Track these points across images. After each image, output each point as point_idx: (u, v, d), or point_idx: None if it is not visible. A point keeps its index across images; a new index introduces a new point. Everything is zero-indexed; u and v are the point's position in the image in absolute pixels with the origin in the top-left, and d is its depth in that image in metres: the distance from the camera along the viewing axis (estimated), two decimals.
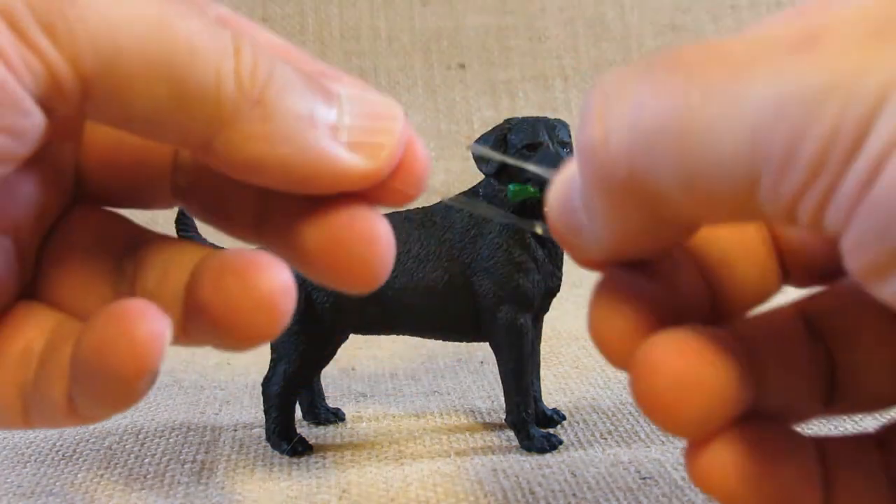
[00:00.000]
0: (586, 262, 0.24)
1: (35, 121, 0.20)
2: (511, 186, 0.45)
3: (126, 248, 0.25)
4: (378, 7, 1.09)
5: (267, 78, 0.21)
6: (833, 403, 0.24)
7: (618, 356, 0.23)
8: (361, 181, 0.22)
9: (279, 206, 0.23)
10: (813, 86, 0.17)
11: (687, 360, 0.22)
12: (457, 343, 0.54)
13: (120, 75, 0.20)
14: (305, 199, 0.22)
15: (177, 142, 0.21)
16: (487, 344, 0.48)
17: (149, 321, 0.21)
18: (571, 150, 0.48)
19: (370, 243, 0.22)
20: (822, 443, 0.24)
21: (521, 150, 0.46)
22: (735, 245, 0.25)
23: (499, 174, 0.47)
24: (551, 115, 0.50)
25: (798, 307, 0.25)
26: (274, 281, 0.21)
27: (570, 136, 0.48)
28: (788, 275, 0.25)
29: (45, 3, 0.19)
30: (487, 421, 0.50)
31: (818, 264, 0.25)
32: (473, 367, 0.60)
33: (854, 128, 0.16)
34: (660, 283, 0.23)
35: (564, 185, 0.23)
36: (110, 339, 0.21)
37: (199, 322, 0.22)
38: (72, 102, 0.20)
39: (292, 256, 0.23)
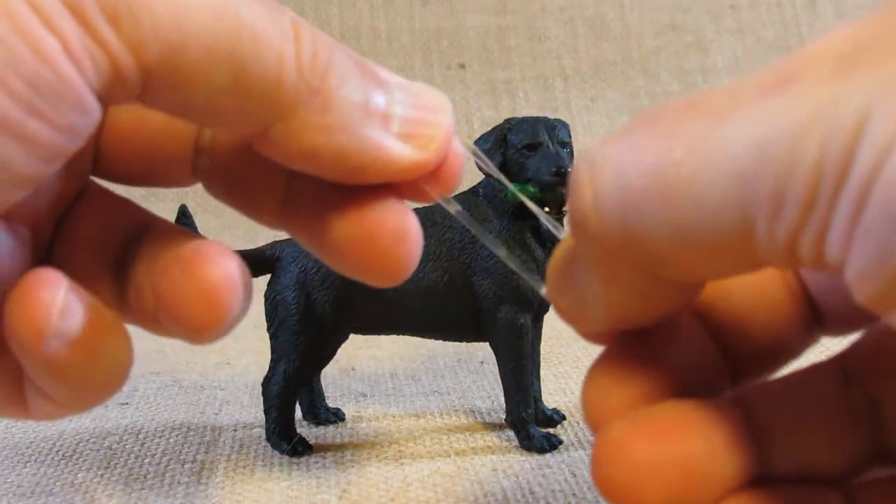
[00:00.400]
0: (591, 336, 0.24)
1: (93, 117, 0.19)
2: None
3: (130, 236, 0.25)
4: (378, 7, 1.09)
5: (326, 66, 0.21)
6: (886, 455, 0.23)
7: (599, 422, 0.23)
8: (411, 172, 0.22)
9: (306, 192, 0.23)
10: (790, 124, 0.17)
11: (645, 442, 0.21)
12: (457, 343, 0.54)
13: (182, 64, 0.19)
14: (335, 188, 0.22)
15: (233, 129, 0.21)
16: (487, 344, 0.48)
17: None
18: (571, 151, 0.48)
19: (401, 239, 0.22)
20: None
21: (521, 150, 0.46)
22: (751, 297, 0.24)
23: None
24: (551, 115, 0.50)
25: (835, 360, 0.24)
26: (216, 272, 0.21)
27: (569, 136, 0.48)
28: (823, 322, 0.24)
29: None
30: (487, 421, 0.50)
31: (852, 306, 0.24)
32: (473, 367, 0.60)
33: (838, 159, 0.16)
34: (663, 352, 0.23)
35: (562, 260, 0.23)
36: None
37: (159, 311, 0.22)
38: (131, 93, 0.20)
39: (318, 245, 0.23)
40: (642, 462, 0.21)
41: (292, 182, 0.23)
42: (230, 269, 0.21)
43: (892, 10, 0.17)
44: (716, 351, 0.24)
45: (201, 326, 0.21)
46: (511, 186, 0.28)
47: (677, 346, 0.23)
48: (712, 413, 0.22)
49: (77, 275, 0.24)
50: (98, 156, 0.25)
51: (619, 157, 0.20)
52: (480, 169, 0.49)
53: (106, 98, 0.19)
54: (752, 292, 0.24)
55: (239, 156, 0.23)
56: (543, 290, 0.24)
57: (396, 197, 0.22)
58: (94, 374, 0.21)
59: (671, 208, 0.19)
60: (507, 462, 0.44)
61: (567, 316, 0.23)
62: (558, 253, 0.23)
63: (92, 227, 0.25)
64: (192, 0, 0.19)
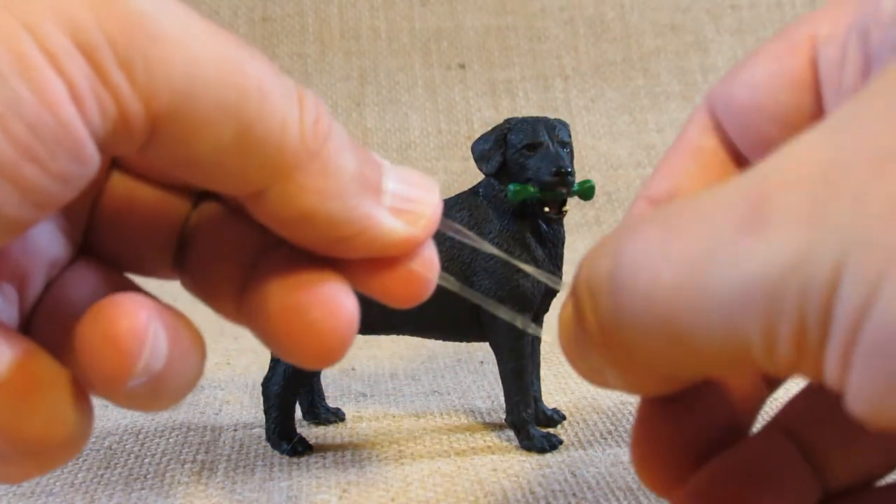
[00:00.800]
0: (620, 390, 0.25)
1: (90, 168, 0.19)
2: (511, 186, 0.45)
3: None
4: (378, 7, 1.09)
5: (328, 132, 0.21)
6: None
7: (665, 492, 0.24)
8: (401, 246, 0.22)
9: (259, 276, 0.23)
10: (771, 274, 0.17)
11: None
12: (457, 343, 0.54)
13: (190, 116, 0.19)
14: (284, 269, 0.22)
15: (231, 188, 0.21)
16: (487, 344, 0.48)
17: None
18: (571, 151, 0.47)
19: (332, 313, 0.22)
20: None
21: (521, 150, 0.46)
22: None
23: (499, 174, 0.47)
24: (551, 115, 0.50)
25: (777, 420, 0.25)
26: (123, 322, 0.20)
27: (569, 136, 0.48)
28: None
29: (127, 37, 0.18)
30: (487, 421, 0.50)
31: None
32: (473, 367, 0.60)
33: (818, 309, 0.16)
34: (694, 408, 0.24)
35: (571, 337, 0.23)
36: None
37: None
38: (136, 143, 0.19)
39: (262, 330, 0.23)
40: None
41: (247, 268, 0.24)
42: (137, 322, 0.20)
43: (867, 114, 0.17)
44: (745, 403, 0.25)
45: (106, 373, 0.20)
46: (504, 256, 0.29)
47: (711, 396, 0.24)
48: (773, 463, 0.23)
49: None
50: (89, 232, 0.25)
51: (618, 275, 0.20)
52: (481, 169, 0.49)
53: (108, 146, 0.19)
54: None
55: (207, 236, 0.23)
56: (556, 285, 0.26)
57: (339, 276, 0.22)
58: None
59: (670, 332, 0.19)
60: (507, 462, 0.44)
61: (587, 378, 0.24)
62: (565, 324, 0.24)
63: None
64: (205, 51, 0.19)
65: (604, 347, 0.21)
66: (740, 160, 0.26)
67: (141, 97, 0.18)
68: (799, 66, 0.24)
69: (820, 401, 0.25)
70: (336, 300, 0.22)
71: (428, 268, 0.23)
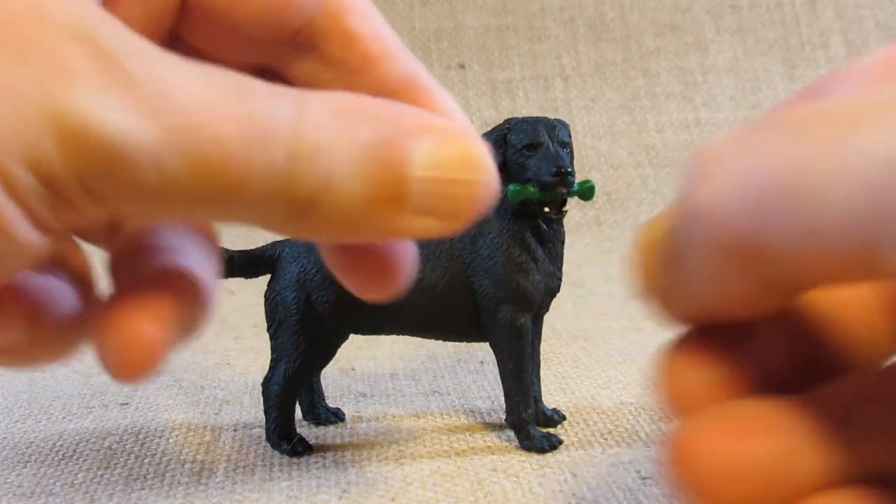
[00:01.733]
0: (678, 317, 0.23)
1: (28, 250, 0.19)
2: (511, 186, 0.45)
3: None
4: (378, 7, 1.09)
5: (329, 166, 0.20)
6: None
7: (685, 412, 0.22)
8: (437, 235, 0.21)
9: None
10: None
11: (728, 443, 0.21)
12: (457, 343, 0.54)
13: (167, 214, 0.19)
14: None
15: (236, 216, 0.21)
16: (487, 344, 0.48)
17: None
18: (571, 151, 0.47)
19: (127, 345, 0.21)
20: None
21: (521, 151, 0.46)
22: (844, 306, 0.23)
23: (499, 174, 0.47)
24: (551, 115, 0.50)
25: None
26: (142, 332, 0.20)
27: (569, 136, 0.48)
28: None
29: (95, 168, 0.18)
30: (487, 421, 0.50)
31: None
32: (473, 367, 0.60)
33: None
34: (747, 345, 0.23)
35: (660, 242, 0.22)
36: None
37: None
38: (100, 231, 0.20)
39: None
40: (724, 464, 0.21)
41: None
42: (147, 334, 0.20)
43: None
44: (797, 350, 0.23)
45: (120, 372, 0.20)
46: None
47: (768, 339, 0.23)
48: (799, 412, 0.21)
49: None
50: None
51: (743, 156, 0.19)
52: None
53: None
54: (846, 300, 0.24)
55: None
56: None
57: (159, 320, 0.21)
58: None
59: (794, 212, 0.18)
60: (507, 462, 0.44)
61: (654, 294, 0.22)
62: (655, 232, 0.22)
63: None
64: (179, 170, 0.18)
65: (712, 247, 0.19)
66: None
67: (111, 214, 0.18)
68: None
69: None
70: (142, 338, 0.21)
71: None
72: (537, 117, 0.48)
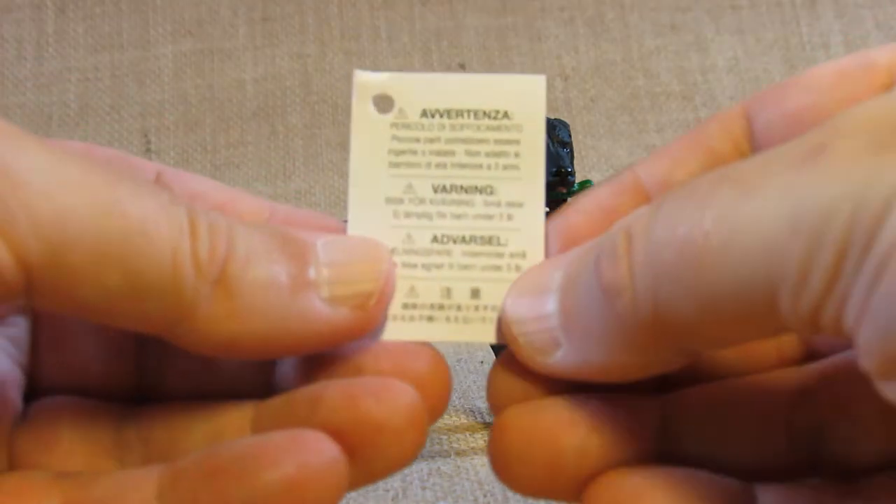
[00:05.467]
0: (544, 372, 0.23)
1: None
2: None
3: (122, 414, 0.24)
4: (378, 7, 1.09)
5: (227, 252, 0.20)
6: (818, 467, 0.24)
7: (501, 408, 0.24)
8: (350, 334, 0.22)
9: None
10: (824, 198, 0.17)
11: (523, 433, 0.22)
12: (457, 343, 0.54)
13: (69, 263, 0.18)
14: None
15: (137, 328, 0.20)
16: (487, 344, 0.48)
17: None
18: (571, 151, 0.47)
19: None
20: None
21: None
22: None
23: None
24: (551, 116, 0.50)
25: (793, 374, 0.25)
26: (406, 398, 0.21)
27: (570, 137, 0.48)
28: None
29: None
30: (487, 421, 0.50)
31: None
32: (473, 366, 0.60)
33: (863, 234, 0.17)
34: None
35: (534, 301, 0.23)
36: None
37: None
38: (13, 294, 0.18)
39: None
40: (518, 450, 0.22)
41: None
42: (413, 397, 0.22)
43: None
44: None
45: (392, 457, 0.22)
46: None
47: None
48: (604, 407, 0.23)
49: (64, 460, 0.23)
50: None
51: (654, 229, 0.20)
52: None
53: None
54: None
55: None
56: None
57: None
58: None
59: (700, 279, 0.19)
60: None
61: (524, 356, 0.23)
62: (525, 289, 0.23)
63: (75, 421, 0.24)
64: (76, 199, 0.18)
65: (627, 299, 0.20)
66: None
67: (9, 248, 0.18)
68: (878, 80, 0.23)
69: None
70: None
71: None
72: None
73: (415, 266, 0.25)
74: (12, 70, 0.98)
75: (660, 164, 0.26)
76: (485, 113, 0.25)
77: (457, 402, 0.53)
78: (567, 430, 0.22)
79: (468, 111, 0.25)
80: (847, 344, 0.20)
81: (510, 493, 0.41)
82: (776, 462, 0.24)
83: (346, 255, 0.22)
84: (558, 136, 0.47)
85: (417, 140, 0.25)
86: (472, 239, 0.25)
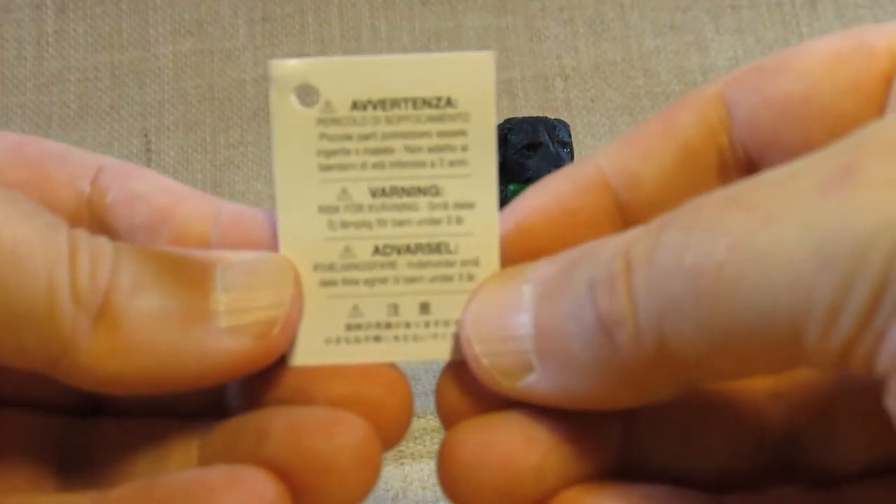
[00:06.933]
0: (511, 396, 0.22)
1: None
2: (511, 186, 0.45)
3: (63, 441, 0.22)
4: (378, 7, 1.09)
5: (110, 280, 0.18)
6: (790, 475, 0.23)
7: (451, 423, 0.22)
8: (251, 365, 0.20)
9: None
10: (858, 230, 0.16)
11: (475, 453, 0.21)
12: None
13: None
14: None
15: (16, 363, 0.18)
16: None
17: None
18: (571, 151, 0.47)
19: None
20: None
21: (521, 150, 0.46)
22: None
23: (499, 174, 0.47)
24: (551, 116, 0.50)
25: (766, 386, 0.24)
26: (356, 434, 0.20)
27: (570, 136, 0.48)
28: None
29: None
30: None
31: None
32: None
33: None
34: None
35: (502, 318, 0.21)
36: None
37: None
38: None
39: None
40: (470, 472, 0.21)
41: None
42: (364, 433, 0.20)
43: None
44: None
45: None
46: None
47: None
48: (563, 422, 0.21)
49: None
50: None
51: (657, 256, 0.18)
52: None
53: None
54: None
55: None
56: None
57: None
58: None
59: (713, 313, 0.17)
60: None
61: (486, 376, 0.21)
62: (487, 304, 0.21)
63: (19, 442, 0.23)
64: None
65: (629, 332, 0.19)
66: (726, 172, 0.23)
67: None
68: (874, 72, 0.21)
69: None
70: None
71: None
72: (537, 117, 0.48)
73: (357, 283, 0.23)
74: (12, 70, 0.98)
75: (627, 157, 0.23)
76: (425, 101, 0.22)
77: None
78: (524, 451, 0.21)
79: (405, 100, 0.22)
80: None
81: None
82: (746, 472, 0.23)
83: (247, 280, 0.20)
84: (558, 136, 0.47)
85: (349, 137, 0.23)
86: (419, 248, 0.23)
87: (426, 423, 0.52)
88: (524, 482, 0.21)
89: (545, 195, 0.24)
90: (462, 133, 0.23)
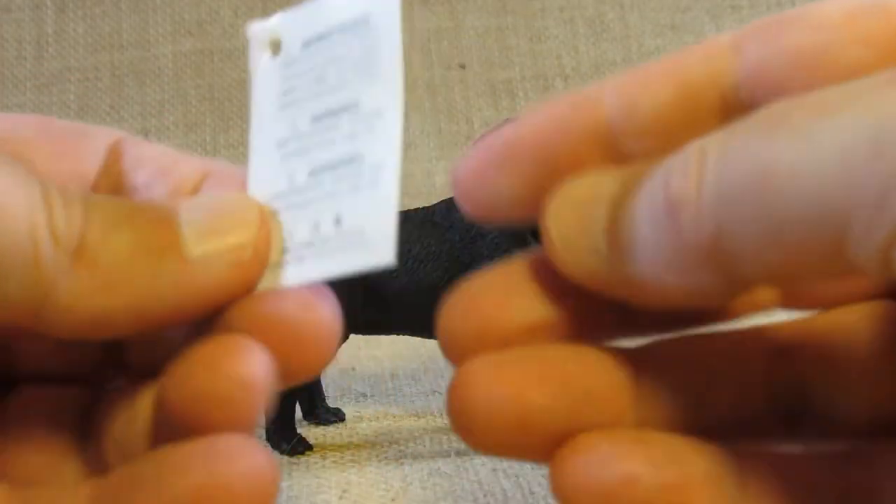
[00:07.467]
0: (588, 282, 0.21)
1: None
2: None
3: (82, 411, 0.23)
4: None
5: (83, 221, 0.19)
6: (798, 430, 0.23)
7: (459, 358, 0.22)
8: (230, 293, 0.20)
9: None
10: None
11: (489, 390, 0.20)
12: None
13: None
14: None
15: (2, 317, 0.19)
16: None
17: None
18: None
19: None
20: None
21: None
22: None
23: None
24: None
25: (764, 331, 0.23)
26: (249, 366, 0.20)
27: None
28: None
29: None
30: None
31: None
32: None
33: None
34: (560, 295, 0.22)
35: (589, 209, 0.21)
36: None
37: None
38: None
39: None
40: (482, 410, 0.20)
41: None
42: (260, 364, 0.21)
43: None
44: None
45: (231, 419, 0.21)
46: None
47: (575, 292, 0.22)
48: (576, 363, 0.21)
49: (29, 462, 0.22)
50: None
51: (725, 149, 0.18)
52: None
53: None
54: None
55: None
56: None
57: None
58: None
59: (766, 201, 0.17)
60: (507, 462, 0.44)
61: (573, 269, 0.21)
62: (579, 198, 0.21)
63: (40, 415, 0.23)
64: None
65: (690, 213, 0.18)
66: (728, 116, 0.22)
67: None
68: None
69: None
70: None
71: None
72: None
73: (295, 207, 0.23)
74: (12, 70, 0.98)
75: (628, 85, 0.23)
76: (348, 26, 0.24)
77: None
78: (536, 388, 0.21)
79: (335, 27, 0.24)
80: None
81: (510, 494, 0.41)
82: (754, 422, 0.22)
83: (209, 210, 0.21)
84: None
85: (299, 75, 0.24)
86: (340, 163, 0.23)
87: (426, 423, 0.53)
88: (538, 420, 0.20)
89: (546, 111, 0.24)
90: (376, 48, 0.24)
